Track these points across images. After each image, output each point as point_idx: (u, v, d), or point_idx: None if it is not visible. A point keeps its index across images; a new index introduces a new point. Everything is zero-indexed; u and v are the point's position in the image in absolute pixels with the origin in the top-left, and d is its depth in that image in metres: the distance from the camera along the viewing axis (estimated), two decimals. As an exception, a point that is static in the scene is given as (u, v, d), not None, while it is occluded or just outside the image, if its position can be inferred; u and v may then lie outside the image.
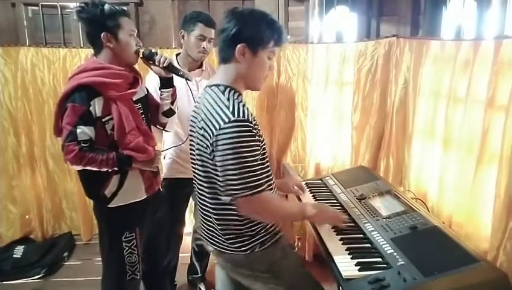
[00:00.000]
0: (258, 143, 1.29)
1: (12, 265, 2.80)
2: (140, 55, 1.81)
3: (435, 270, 1.20)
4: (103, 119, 1.67)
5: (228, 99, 1.30)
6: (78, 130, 1.61)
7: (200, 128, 1.34)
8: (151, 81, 2.05)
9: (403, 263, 1.28)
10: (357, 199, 1.81)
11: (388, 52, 2.44)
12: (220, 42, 1.35)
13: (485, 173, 1.63)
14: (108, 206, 1.75)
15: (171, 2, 3.31)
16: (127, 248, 1.80)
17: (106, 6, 1.67)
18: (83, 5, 1.67)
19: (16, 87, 2.98)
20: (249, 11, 1.37)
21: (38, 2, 3.31)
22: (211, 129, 1.28)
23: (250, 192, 1.26)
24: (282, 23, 3.11)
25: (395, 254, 1.34)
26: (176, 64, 1.86)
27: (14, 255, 2.88)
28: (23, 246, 2.98)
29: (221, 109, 1.28)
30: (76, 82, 1.64)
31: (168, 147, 2.23)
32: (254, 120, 1.30)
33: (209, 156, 1.31)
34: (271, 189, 1.42)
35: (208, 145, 1.30)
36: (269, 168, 1.41)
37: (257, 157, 1.28)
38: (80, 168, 1.67)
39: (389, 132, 2.45)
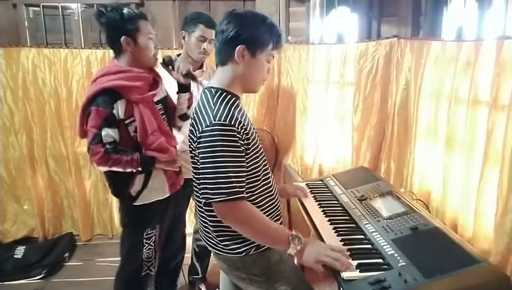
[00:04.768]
0: (239, 149, 1.25)
1: (13, 265, 2.80)
2: (160, 61, 1.87)
3: (435, 272, 1.20)
4: (126, 122, 1.72)
5: (215, 103, 1.29)
6: (103, 133, 1.66)
7: (190, 131, 1.37)
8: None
9: (403, 264, 1.28)
10: (357, 199, 1.80)
11: (389, 53, 2.44)
12: (218, 44, 1.34)
13: (489, 174, 1.63)
14: (134, 204, 1.79)
15: (171, 2, 3.32)
16: (146, 245, 1.85)
17: (125, 11, 1.71)
18: (102, 9, 1.71)
19: (17, 87, 2.98)
20: (249, 13, 1.36)
21: (39, 2, 3.32)
22: (195, 131, 1.31)
23: (225, 198, 1.23)
24: (283, 24, 3.12)
25: (395, 255, 1.33)
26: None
27: (15, 256, 2.88)
28: (24, 247, 2.98)
29: (206, 112, 1.29)
30: (99, 86, 1.69)
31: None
32: (243, 125, 1.27)
33: (197, 157, 1.31)
34: (269, 195, 1.41)
35: (194, 147, 1.33)
36: (264, 174, 1.39)
37: (237, 164, 1.25)
38: (105, 169, 1.72)
39: (390, 133, 2.44)
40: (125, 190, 1.79)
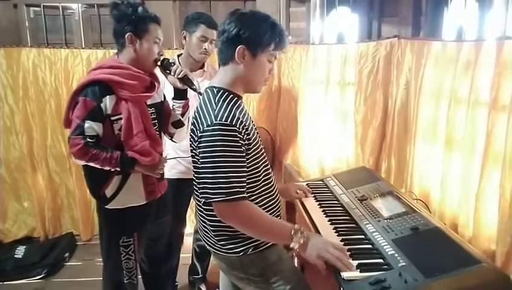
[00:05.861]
0: (240, 149, 1.25)
1: (14, 265, 2.80)
2: (158, 64, 1.81)
3: (436, 272, 1.20)
4: (112, 118, 1.66)
5: (216, 103, 1.29)
6: (86, 125, 1.61)
7: (191, 130, 1.37)
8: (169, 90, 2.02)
9: (404, 264, 1.28)
10: (358, 199, 1.80)
11: (389, 53, 2.44)
12: (220, 43, 1.34)
13: (489, 174, 1.63)
14: (106, 207, 1.74)
15: (172, 2, 3.32)
16: (124, 253, 1.79)
17: (140, 9, 1.68)
18: (118, 1, 1.68)
19: (17, 87, 2.98)
20: (250, 12, 1.36)
21: (40, 2, 3.33)
22: (196, 131, 1.31)
23: (225, 198, 1.23)
24: (283, 24, 3.12)
25: (396, 255, 1.34)
26: (191, 76, 1.88)
27: (16, 256, 2.88)
28: (24, 247, 2.98)
29: (207, 111, 1.29)
30: (91, 77, 1.66)
31: (169, 151, 2.23)
32: (244, 125, 1.28)
33: (197, 157, 1.31)
34: (270, 194, 1.41)
35: (194, 147, 1.33)
36: (265, 174, 1.39)
37: (238, 164, 1.25)
38: (83, 163, 1.67)
39: (391, 133, 2.45)
40: (101, 189, 1.72)
